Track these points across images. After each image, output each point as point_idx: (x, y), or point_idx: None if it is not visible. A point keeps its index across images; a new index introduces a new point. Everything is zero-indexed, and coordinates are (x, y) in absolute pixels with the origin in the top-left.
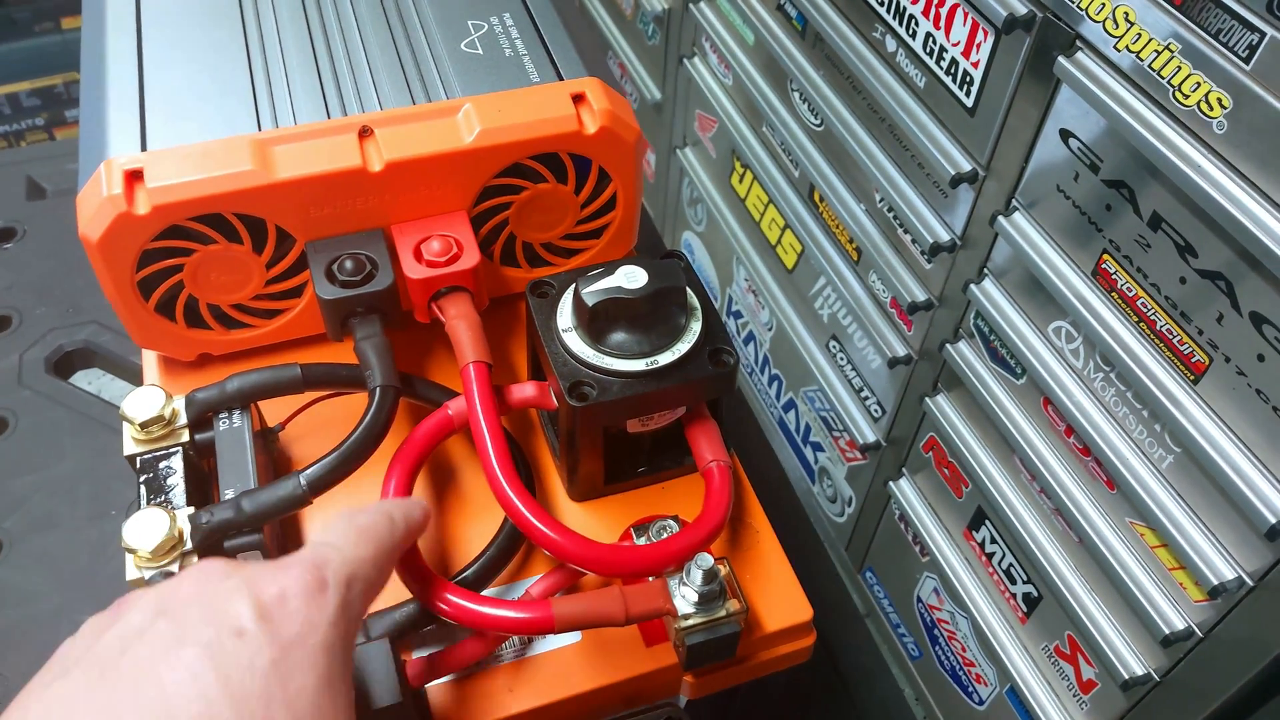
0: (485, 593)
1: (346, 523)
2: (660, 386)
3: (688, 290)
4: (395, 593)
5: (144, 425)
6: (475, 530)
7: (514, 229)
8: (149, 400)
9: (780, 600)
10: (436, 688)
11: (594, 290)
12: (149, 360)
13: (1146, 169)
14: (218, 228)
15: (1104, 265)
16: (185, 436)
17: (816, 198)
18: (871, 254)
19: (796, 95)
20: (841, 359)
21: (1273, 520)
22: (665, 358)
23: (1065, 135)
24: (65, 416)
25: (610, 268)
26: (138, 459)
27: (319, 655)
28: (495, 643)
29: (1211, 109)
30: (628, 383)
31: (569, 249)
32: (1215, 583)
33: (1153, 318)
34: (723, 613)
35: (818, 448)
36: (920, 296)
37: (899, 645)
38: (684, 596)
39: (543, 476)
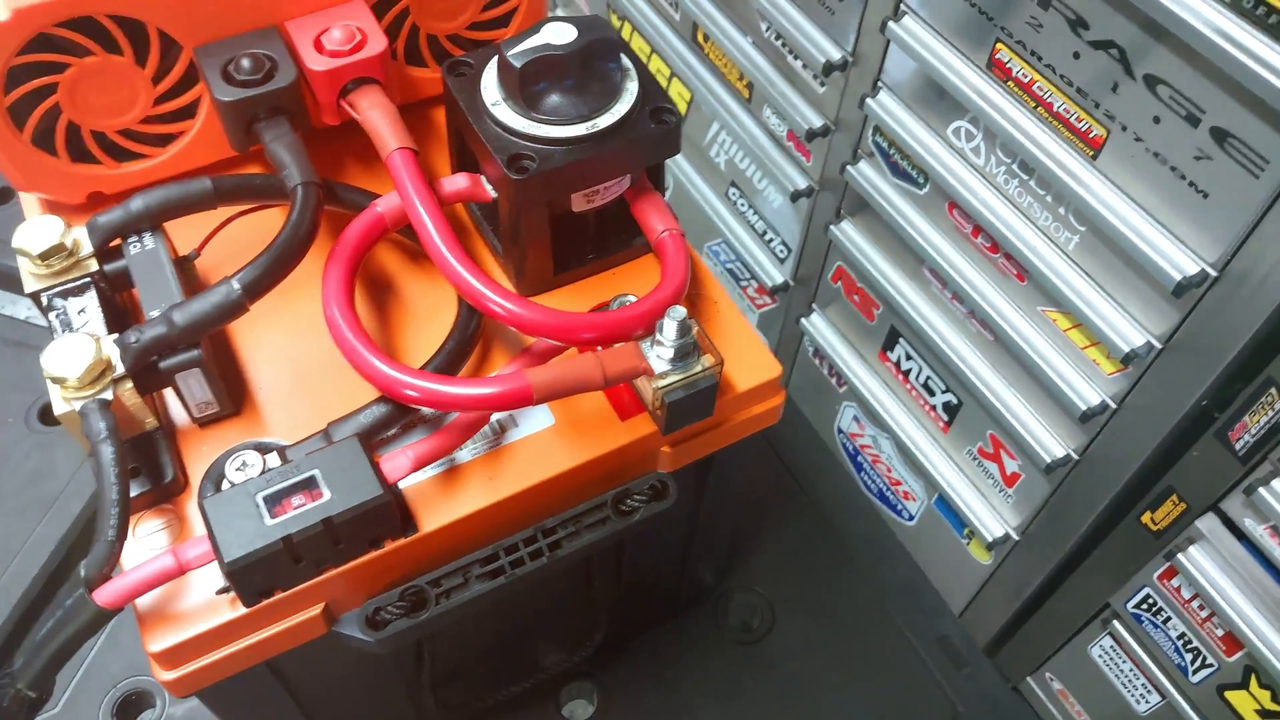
0: None
1: None
2: (603, 150)
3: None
4: (360, 394)
5: (43, 257)
6: (426, 338)
7: (416, 19)
8: (45, 229)
9: (749, 361)
10: (414, 490)
11: (520, 51)
12: (30, 206)
13: None
14: (93, 36)
15: (998, 55)
16: (93, 266)
17: (701, 38)
18: (764, 87)
19: None
20: (742, 204)
21: (1178, 278)
22: (605, 119)
23: None
24: None
25: (534, 29)
26: (42, 295)
27: None
28: (468, 431)
29: None
30: (569, 149)
31: (475, 40)
32: (1126, 350)
33: (1049, 100)
34: (699, 367)
35: None
36: (817, 122)
37: None
38: (659, 355)
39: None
